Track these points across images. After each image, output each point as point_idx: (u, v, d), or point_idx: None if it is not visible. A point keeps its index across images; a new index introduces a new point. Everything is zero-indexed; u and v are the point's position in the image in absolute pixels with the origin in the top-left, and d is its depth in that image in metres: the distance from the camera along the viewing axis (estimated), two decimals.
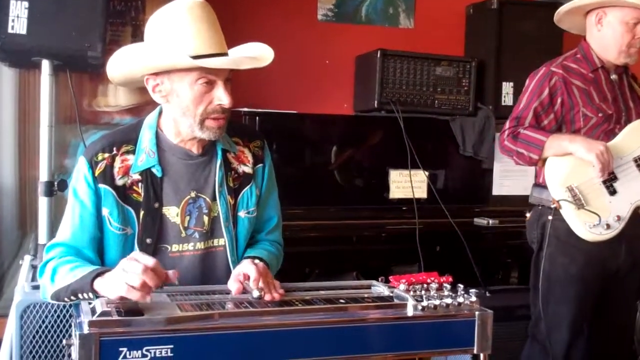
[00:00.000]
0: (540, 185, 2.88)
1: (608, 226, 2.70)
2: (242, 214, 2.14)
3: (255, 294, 1.84)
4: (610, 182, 2.74)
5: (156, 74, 1.97)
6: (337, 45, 4.23)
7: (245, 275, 1.91)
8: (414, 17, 4.46)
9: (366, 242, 3.52)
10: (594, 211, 2.70)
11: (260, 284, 1.86)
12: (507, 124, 2.88)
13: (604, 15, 2.82)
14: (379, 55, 3.87)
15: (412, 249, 3.45)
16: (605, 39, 2.82)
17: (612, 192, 2.75)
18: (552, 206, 2.74)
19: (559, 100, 2.82)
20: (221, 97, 1.97)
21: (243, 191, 2.15)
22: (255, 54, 2.06)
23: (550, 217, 2.77)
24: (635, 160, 2.78)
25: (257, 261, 2.00)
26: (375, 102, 3.87)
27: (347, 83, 4.18)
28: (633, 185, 2.76)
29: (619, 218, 2.71)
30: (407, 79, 3.93)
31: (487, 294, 3.26)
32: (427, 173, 3.88)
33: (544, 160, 2.79)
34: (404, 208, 3.84)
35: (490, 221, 3.87)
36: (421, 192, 3.89)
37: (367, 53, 4.02)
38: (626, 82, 2.93)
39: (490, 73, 4.09)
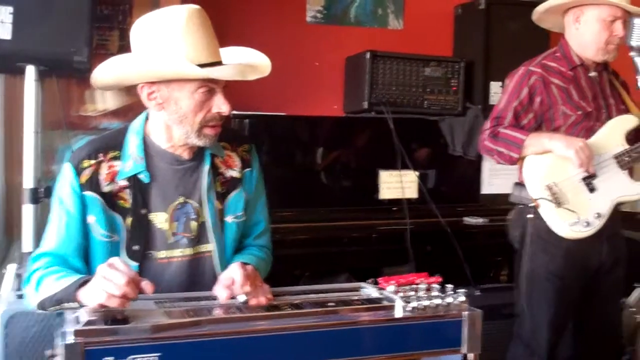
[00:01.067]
0: (520, 183, 2.87)
1: (588, 224, 2.71)
2: (229, 219, 2.13)
3: (241, 298, 1.83)
4: (589, 179, 2.75)
5: (153, 81, 1.95)
6: (327, 47, 4.23)
7: (233, 279, 1.90)
8: (403, 18, 4.46)
9: (357, 244, 3.51)
10: (573, 209, 2.70)
11: (247, 288, 1.85)
12: (487, 124, 2.89)
13: (581, 13, 2.83)
14: (368, 56, 3.87)
15: (403, 250, 3.45)
16: (584, 37, 2.83)
17: (592, 189, 2.75)
18: (532, 205, 2.75)
19: (538, 100, 2.82)
20: (221, 105, 1.97)
21: (231, 196, 2.14)
22: (254, 62, 2.06)
23: (530, 216, 2.78)
24: (616, 157, 2.78)
25: (244, 265, 1.99)
26: (365, 103, 3.87)
27: (337, 85, 4.18)
28: (613, 182, 2.77)
29: (598, 215, 2.72)
30: (396, 79, 3.93)
31: (478, 293, 3.26)
32: (417, 173, 3.88)
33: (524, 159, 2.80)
34: (395, 209, 3.83)
35: (480, 220, 3.87)
36: (411, 193, 3.89)
37: (356, 54, 4.01)
38: (606, 79, 2.93)
39: (479, 73, 4.09)
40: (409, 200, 3.82)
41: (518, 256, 2.88)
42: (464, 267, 3.38)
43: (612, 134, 2.80)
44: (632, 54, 2.47)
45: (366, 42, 4.13)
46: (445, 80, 4.04)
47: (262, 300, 1.84)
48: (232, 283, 1.87)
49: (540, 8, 2.92)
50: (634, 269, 3.75)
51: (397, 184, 3.82)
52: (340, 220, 3.68)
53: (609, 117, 2.84)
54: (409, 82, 3.95)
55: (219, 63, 1.97)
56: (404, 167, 3.78)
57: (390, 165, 3.81)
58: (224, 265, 2.06)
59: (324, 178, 3.86)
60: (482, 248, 3.77)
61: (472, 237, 3.76)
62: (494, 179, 4.17)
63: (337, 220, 3.67)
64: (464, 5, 4.28)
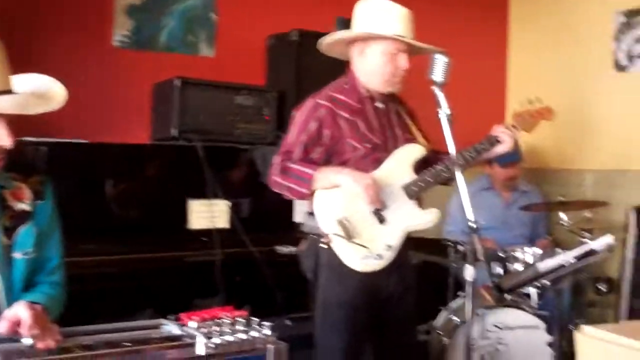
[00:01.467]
0: (312, 213, 2.81)
1: (379, 256, 2.72)
2: (18, 255, 1.97)
3: (27, 341, 1.67)
4: (380, 210, 2.75)
5: None
6: (135, 72, 4.09)
7: (19, 319, 1.73)
8: (214, 45, 4.42)
9: (164, 277, 3.37)
10: (365, 243, 2.70)
11: (35, 331, 1.70)
12: (277, 159, 2.83)
13: (366, 46, 2.83)
14: (177, 83, 3.76)
15: (213, 281, 3.36)
16: (369, 69, 2.84)
17: (382, 220, 2.75)
18: (323, 240, 2.72)
19: (326, 133, 2.79)
20: (2, 137, 1.84)
21: (20, 230, 1.98)
22: (44, 90, 1.95)
23: (323, 246, 2.74)
24: (404, 188, 2.81)
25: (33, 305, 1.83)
26: (174, 130, 3.75)
27: (145, 111, 4.03)
28: (402, 212, 2.79)
29: (389, 247, 2.73)
30: (207, 107, 3.84)
31: (289, 323, 3.23)
32: (228, 202, 3.81)
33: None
34: (205, 239, 3.73)
35: (293, 248, 3.86)
36: (222, 222, 3.80)
37: (165, 81, 3.89)
38: (393, 110, 2.95)
39: (291, 103, 4.09)
40: (219, 230, 3.72)
41: (312, 286, 2.85)
42: (275, 297, 3.35)
43: (399, 165, 2.83)
44: (434, 88, 2.53)
45: (176, 68, 4.03)
46: (257, 109, 4.02)
47: (51, 343, 1.69)
48: (17, 323, 1.71)
49: (323, 41, 2.91)
50: (439, 293, 3.93)
51: (207, 214, 3.73)
52: (146, 252, 3.49)
53: (396, 148, 2.86)
54: (220, 110, 3.89)
55: (7, 92, 1.83)
56: (215, 196, 3.70)
57: (200, 195, 3.71)
58: (12, 304, 1.88)
59: (128, 208, 3.68)
60: (294, 277, 3.75)
61: (284, 266, 3.73)
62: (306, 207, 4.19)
63: (142, 252, 3.48)
64: (276, 35, 4.30)
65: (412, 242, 3.97)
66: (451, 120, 2.44)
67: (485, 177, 4.76)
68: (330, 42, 2.91)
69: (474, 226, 2.35)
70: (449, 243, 3.85)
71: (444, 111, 2.45)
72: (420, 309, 3.60)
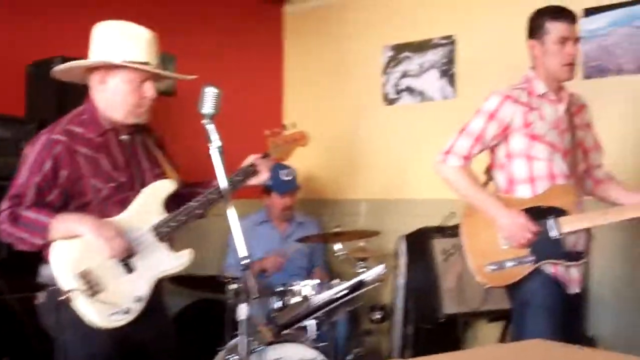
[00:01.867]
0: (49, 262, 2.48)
1: (128, 310, 2.46)
2: None
3: None
4: (127, 259, 2.51)
5: None
6: None
7: None
8: None
9: None
10: (111, 298, 2.42)
11: None
12: (3, 205, 2.47)
13: (107, 74, 2.58)
14: None
15: None
16: (112, 99, 2.58)
17: (130, 269, 2.51)
18: (62, 297, 2.38)
19: (63, 173, 2.49)
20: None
21: None
22: None
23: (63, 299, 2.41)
24: (154, 229, 2.58)
25: None
26: None
27: None
28: (152, 257, 2.56)
29: (139, 299, 2.49)
30: None
31: None
32: None
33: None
34: None
35: None
36: None
37: None
38: (139, 142, 2.72)
39: None
40: None
41: (54, 345, 2.50)
42: (34, 347, 3.04)
43: (148, 204, 2.60)
44: (204, 121, 2.38)
45: None
46: (16, 141, 3.66)
47: None
48: None
49: (60, 68, 2.64)
50: (218, 331, 3.79)
51: None
52: None
53: (143, 185, 2.63)
54: None
55: None
56: None
57: None
58: None
59: None
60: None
61: None
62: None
63: None
64: (37, 62, 3.98)
65: (186, 280, 3.85)
66: (222, 153, 2.32)
67: (262, 210, 4.73)
68: (66, 69, 2.64)
69: (247, 262, 2.23)
70: (225, 279, 3.73)
71: (214, 144, 2.32)
72: (198, 349, 3.47)
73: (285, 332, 3.42)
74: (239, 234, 2.29)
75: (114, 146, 2.62)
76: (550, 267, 2.84)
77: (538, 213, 2.84)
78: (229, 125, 4.70)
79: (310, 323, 3.61)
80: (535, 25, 2.98)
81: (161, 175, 2.71)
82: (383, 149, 5.08)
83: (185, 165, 2.92)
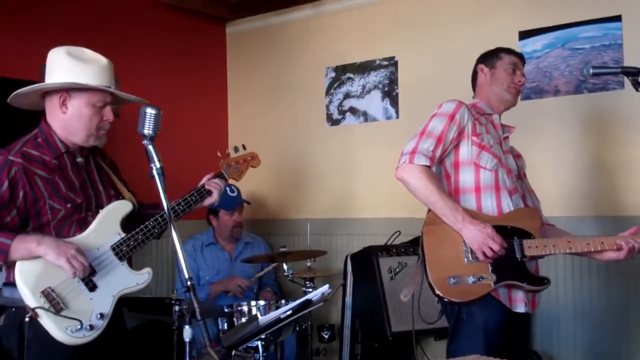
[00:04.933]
0: (12, 284, 2.51)
1: (91, 327, 2.53)
2: None
3: None
4: (89, 277, 2.56)
5: None
6: None
7: None
8: None
9: None
10: (74, 316, 2.49)
11: None
12: None
13: (69, 97, 2.62)
14: None
15: None
16: (72, 123, 2.63)
17: (93, 287, 2.57)
18: (28, 315, 2.44)
19: (21, 194, 2.51)
20: None
21: None
22: None
23: (27, 319, 2.46)
24: (113, 249, 2.64)
25: None
26: None
27: None
28: (113, 276, 2.63)
29: (102, 316, 2.56)
30: None
31: None
32: None
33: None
34: None
35: None
36: None
37: None
38: (94, 164, 2.78)
39: None
40: None
41: None
42: None
43: (106, 224, 2.66)
44: (144, 142, 2.38)
45: None
46: None
47: None
48: None
49: (23, 91, 2.63)
50: (167, 354, 3.76)
51: None
52: None
53: (100, 206, 2.69)
54: None
55: None
56: None
57: None
58: None
59: None
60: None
61: None
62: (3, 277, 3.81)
63: None
64: None
65: (134, 302, 3.81)
66: (163, 174, 2.32)
67: (208, 232, 4.72)
68: (27, 92, 2.64)
69: (189, 284, 2.23)
70: (172, 301, 3.71)
71: (154, 165, 2.31)
72: None
73: (233, 353, 3.41)
74: (182, 256, 2.28)
75: (70, 168, 2.66)
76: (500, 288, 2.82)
77: (503, 233, 2.79)
78: (175, 145, 4.71)
79: (259, 343, 3.64)
80: (489, 54, 3.10)
81: (116, 197, 2.77)
82: (328, 169, 5.12)
83: (131, 187, 2.92)
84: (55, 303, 2.48)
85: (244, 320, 3.77)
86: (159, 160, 2.31)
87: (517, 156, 3.18)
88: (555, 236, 2.99)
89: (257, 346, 3.65)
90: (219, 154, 3.10)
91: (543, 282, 2.86)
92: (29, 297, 2.46)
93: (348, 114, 5.06)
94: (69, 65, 2.63)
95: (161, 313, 4.04)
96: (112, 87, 2.69)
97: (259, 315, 3.75)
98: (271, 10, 5.40)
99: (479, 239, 2.75)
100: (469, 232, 2.77)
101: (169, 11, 5.17)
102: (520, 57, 3.11)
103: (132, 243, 2.67)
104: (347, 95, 5.07)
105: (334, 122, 5.13)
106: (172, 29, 5.21)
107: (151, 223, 2.71)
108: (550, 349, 4.14)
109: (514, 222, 2.86)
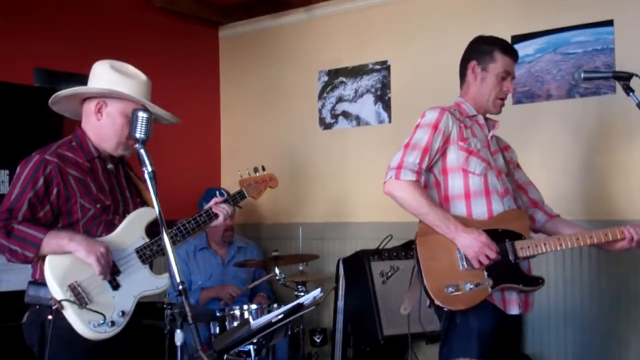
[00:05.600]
0: (36, 282, 2.65)
1: (113, 323, 2.63)
2: None
3: None
4: (113, 276, 2.68)
5: None
6: None
7: None
8: None
9: None
10: (98, 310, 2.60)
11: None
12: None
13: (105, 105, 2.76)
14: None
15: None
16: (105, 129, 2.76)
17: (116, 286, 2.68)
18: (54, 306, 2.55)
19: (55, 191, 2.65)
20: None
21: None
22: None
23: (50, 317, 2.56)
24: (137, 252, 2.75)
25: None
26: None
27: None
28: (136, 277, 2.74)
29: (123, 313, 2.66)
30: None
31: None
32: None
33: (43, 257, 2.60)
34: None
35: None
36: None
37: None
38: (122, 173, 2.91)
39: None
40: None
41: None
42: None
43: (132, 228, 2.78)
44: (136, 146, 2.41)
45: None
46: None
47: None
48: None
49: (62, 94, 2.77)
50: (159, 358, 3.75)
51: None
52: None
53: (127, 211, 2.82)
54: None
55: None
56: None
57: None
58: None
59: None
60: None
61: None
62: (5, 275, 3.81)
63: None
64: None
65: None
66: (154, 178, 2.34)
67: (201, 236, 4.71)
68: (67, 95, 2.78)
69: (181, 288, 2.24)
70: (164, 305, 3.71)
71: (146, 169, 2.34)
72: None
73: (225, 357, 3.41)
74: (174, 260, 2.29)
75: (101, 173, 2.80)
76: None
77: (494, 236, 2.81)
78: (167, 148, 4.70)
79: (251, 347, 3.64)
80: (483, 50, 3.02)
81: (142, 204, 2.90)
82: (320, 173, 5.13)
83: None
84: (81, 297, 2.59)
85: (236, 324, 3.76)
86: (150, 164, 2.34)
87: (505, 148, 3.16)
88: (565, 230, 3.04)
89: (249, 350, 3.64)
90: (239, 172, 3.24)
91: (538, 281, 2.89)
92: (57, 289, 2.57)
93: (341, 117, 5.07)
94: (109, 76, 2.76)
95: (153, 317, 4.03)
96: (148, 101, 2.81)
97: (250, 319, 3.75)
98: (264, 14, 5.41)
99: (475, 247, 2.76)
100: (464, 241, 2.78)
101: (162, 14, 5.18)
102: (515, 57, 3.04)
103: (155, 248, 2.78)
104: (339, 99, 5.08)
105: (326, 126, 5.14)
106: (164, 33, 5.22)
107: (174, 231, 2.85)
108: (541, 352, 4.15)
109: (504, 224, 2.86)
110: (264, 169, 3.30)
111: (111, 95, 2.75)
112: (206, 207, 3.01)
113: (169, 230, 2.82)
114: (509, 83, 3.01)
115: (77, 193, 2.70)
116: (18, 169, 2.69)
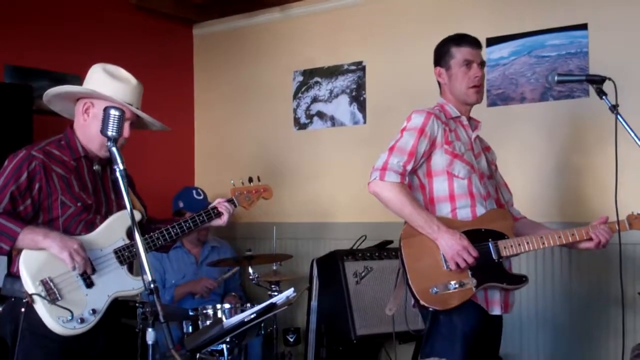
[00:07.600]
0: (13, 275, 2.69)
1: (82, 320, 2.64)
2: None
3: None
4: (88, 274, 2.69)
5: None
6: None
7: None
8: None
9: None
10: (68, 306, 2.62)
11: None
12: None
13: (92, 106, 2.80)
14: None
15: None
16: (90, 130, 2.79)
17: (90, 284, 2.69)
18: (25, 300, 2.58)
19: (37, 186, 2.70)
20: None
21: None
22: None
23: (23, 310, 2.60)
24: (116, 252, 2.77)
25: None
26: None
27: None
28: (111, 277, 2.75)
29: (94, 311, 2.67)
30: None
31: None
32: None
33: (20, 251, 2.63)
34: None
35: None
36: None
37: None
38: (109, 174, 2.92)
39: None
40: None
41: (10, 353, 2.68)
42: None
43: (113, 229, 2.79)
44: (108, 144, 2.43)
45: None
46: None
47: None
48: None
49: (53, 92, 2.82)
50: (130, 355, 3.71)
51: None
52: None
53: (109, 212, 2.84)
54: None
55: None
56: None
57: None
58: None
59: None
60: None
61: None
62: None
63: None
64: None
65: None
66: (126, 175, 2.36)
67: None
68: (58, 94, 2.83)
69: (152, 287, 2.25)
70: (136, 304, 3.68)
71: (117, 167, 2.37)
72: None
73: (197, 356, 3.39)
74: (145, 258, 2.29)
75: (86, 172, 2.83)
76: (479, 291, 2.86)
77: (477, 236, 2.85)
78: (140, 146, 4.65)
79: (224, 347, 3.63)
80: (441, 52, 3.07)
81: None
82: (295, 173, 5.12)
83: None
84: (52, 293, 2.61)
85: (208, 323, 3.75)
86: (122, 162, 2.38)
87: (487, 149, 3.19)
88: (530, 231, 3.06)
89: (222, 349, 3.63)
90: (232, 181, 3.22)
91: (521, 279, 2.92)
92: (29, 283, 2.60)
93: (315, 118, 5.06)
94: (100, 78, 2.82)
95: (124, 315, 3.99)
96: (137, 106, 2.86)
97: (223, 318, 3.73)
98: (238, 13, 5.38)
99: (455, 248, 2.79)
100: (445, 242, 2.81)
101: (136, 12, 5.14)
102: (472, 43, 3.05)
103: (134, 250, 2.77)
104: (314, 100, 5.07)
105: (301, 126, 5.13)
106: (139, 30, 5.18)
107: (156, 234, 2.85)
108: (512, 353, 4.17)
109: (487, 224, 2.90)
110: (259, 179, 3.28)
111: (97, 96, 2.78)
112: (211, 205, 3.03)
113: (171, 226, 2.88)
114: (476, 69, 3.01)
115: (59, 190, 2.73)
116: (5, 162, 2.74)
